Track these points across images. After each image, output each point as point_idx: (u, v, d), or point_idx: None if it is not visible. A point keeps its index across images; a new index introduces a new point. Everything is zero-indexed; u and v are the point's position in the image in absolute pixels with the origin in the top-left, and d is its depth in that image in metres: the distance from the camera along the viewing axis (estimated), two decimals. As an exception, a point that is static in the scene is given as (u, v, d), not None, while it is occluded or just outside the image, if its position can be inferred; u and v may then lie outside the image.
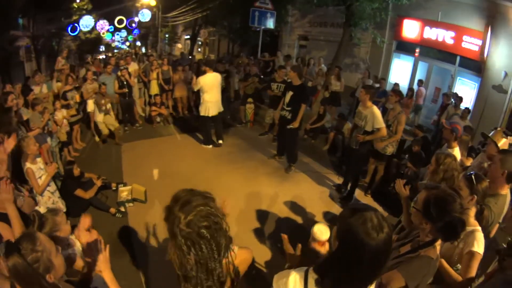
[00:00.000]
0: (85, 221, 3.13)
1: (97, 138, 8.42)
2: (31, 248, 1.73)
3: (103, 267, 2.02)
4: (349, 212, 1.49)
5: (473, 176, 2.68)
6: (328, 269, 1.54)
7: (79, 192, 5.16)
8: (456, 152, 4.46)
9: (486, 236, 3.23)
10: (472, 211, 2.67)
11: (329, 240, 2.98)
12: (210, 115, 7.96)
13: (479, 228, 2.60)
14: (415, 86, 11.37)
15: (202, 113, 7.97)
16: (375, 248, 1.37)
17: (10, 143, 3.77)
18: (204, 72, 7.88)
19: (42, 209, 3.87)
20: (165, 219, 1.67)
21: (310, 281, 1.56)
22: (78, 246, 3.07)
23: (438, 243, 2.05)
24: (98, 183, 5.62)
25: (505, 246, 3.31)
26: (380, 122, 5.38)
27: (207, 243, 1.61)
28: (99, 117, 8.01)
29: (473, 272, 2.47)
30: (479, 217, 2.72)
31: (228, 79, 10.94)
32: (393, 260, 2.14)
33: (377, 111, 5.42)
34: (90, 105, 7.98)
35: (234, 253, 1.86)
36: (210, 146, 8.35)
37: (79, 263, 2.81)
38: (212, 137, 8.43)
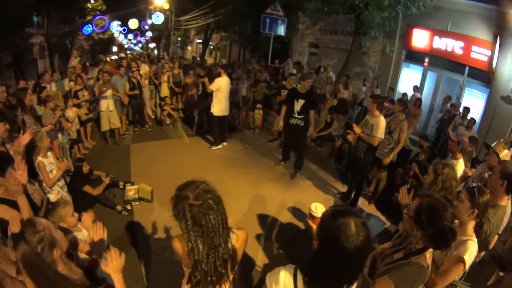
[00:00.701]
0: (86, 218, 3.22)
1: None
2: (33, 231, 1.91)
3: (115, 269, 2.03)
4: (330, 216, 1.56)
5: (475, 190, 2.66)
6: (311, 268, 1.63)
7: (87, 189, 5.30)
8: (461, 164, 4.47)
9: (485, 248, 3.26)
10: (471, 223, 2.66)
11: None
12: (223, 115, 8.38)
13: (474, 239, 2.58)
14: (428, 96, 11.38)
15: (216, 113, 8.28)
16: (352, 252, 1.44)
17: (25, 138, 3.93)
18: (219, 74, 8.25)
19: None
20: (174, 206, 1.90)
21: (298, 278, 1.66)
22: (84, 232, 3.19)
23: (430, 252, 2.08)
24: (107, 180, 5.73)
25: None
26: (379, 133, 5.48)
27: (215, 213, 1.87)
28: (104, 106, 8.14)
29: (450, 277, 2.47)
30: (478, 230, 2.71)
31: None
32: (385, 266, 2.19)
33: (382, 122, 5.50)
34: (103, 104, 8.11)
35: (235, 235, 2.09)
36: (221, 146, 8.67)
37: (84, 248, 2.89)
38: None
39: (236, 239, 2.08)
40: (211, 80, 8.19)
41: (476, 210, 2.62)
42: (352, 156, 6.33)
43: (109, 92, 8.12)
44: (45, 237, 1.93)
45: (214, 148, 8.57)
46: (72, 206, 3.10)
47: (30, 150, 4.25)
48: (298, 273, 1.67)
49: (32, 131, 4.12)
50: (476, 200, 2.61)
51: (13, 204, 2.80)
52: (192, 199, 1.84)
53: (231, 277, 2.11)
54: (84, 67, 11.52)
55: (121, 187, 6.22)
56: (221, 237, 1.93)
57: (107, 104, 8.12)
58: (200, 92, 11.07)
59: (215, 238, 1.90)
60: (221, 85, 8.00)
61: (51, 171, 4.44)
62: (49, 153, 4.57)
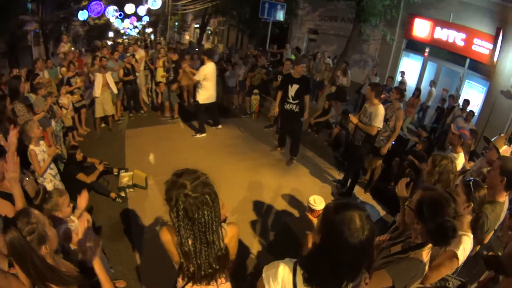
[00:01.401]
0: (82, 201, 3.16)
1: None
2: (26, 221, 1.85)
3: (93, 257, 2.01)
4: (333, 209, 1.49)
5: (471, 183, 2.63)
6: (312, 264, 1.56)
7: (80, 176, 5.19)
8: (461, 157, 4.38)
9: (480, 242, 3.22)
10: (467, 218, 2.62)
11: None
12: (210, 102, 8.19)
13: (470, 234, 2.57)
14: (427, 87, 11.35)
15: (202, 101, 8.07)
16: (356, 247, 1.37)
17: (14, 135, 3.83)
18: (203, 62, 8.03)
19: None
20: (167, 191, 1.80)
21: (298, 273, 1.59)
22: (76, 224, 3.10)
23: (429, 247, 2.03)
24: (100, 168, 5.63)
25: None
26: (378, 122, 5.37)
27: (210, 210, 1.78)
28: (97, 92, 7.90)
29: (443, 271, 2.45)
30: (473, 225, 2.65)
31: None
32: (383, 259, 2.14)
33: (381, 111, 5.38)
34: (97, 91, 7.92)
35: (224, 230, 1.97)
36: (204, 134, 8.39)
37: (76, 240, 2.82)
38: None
39: (225, 234, 1.97)
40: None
41: (472, 204, 2.58)
42: (350, 144, 6.25)
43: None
44: (37, 230, 1.87)
45: (198, 136, 8.36)
46: (68, 196, 3.06)
47: (21, 140, 4.14)
48: (298, 268, 1.60)
49: (16, 129, 4.02)
50: (472, 194, 2.58)
51: (5, 196, 2.76)
52: (189, 189, 1.74)
53: (226, 273, 2.06)
54: (80, 53, 11.37)
55: (115, 174, 6.12)
56: (214, 234, 1.85)
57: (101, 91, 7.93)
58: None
59: (208, 235, 1.83)
60: (207, 73, 7.77)
61: (43, 160, 4.35)
62: (41, 142, 4.46)
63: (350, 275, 1.50)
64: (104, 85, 7.92)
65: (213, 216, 1.81)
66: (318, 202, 2.95)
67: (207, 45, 22.95)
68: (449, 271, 2.51)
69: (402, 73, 11.65)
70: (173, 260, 2.02)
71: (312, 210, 2.93)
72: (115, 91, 8.36)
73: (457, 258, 2.41)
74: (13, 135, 3.73)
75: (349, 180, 6.27)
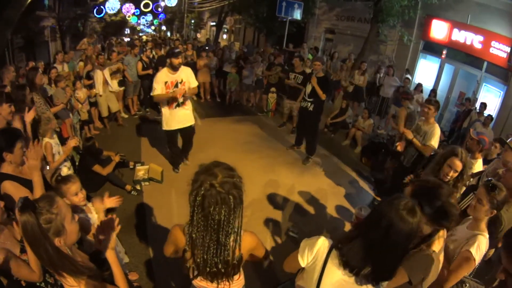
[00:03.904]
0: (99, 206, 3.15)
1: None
2: (47, 209, 1.76)
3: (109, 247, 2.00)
4: (387, 201, 1.61)
5: (496, 192, 2.54)
6: (350, 250, 1.65)
7: (96, 168, 5.29)
8: (479, 164, 4.36)
9: (494, 245, 3.23)
10: (485, 219, 2.62)
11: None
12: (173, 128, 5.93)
13: (485, 234, 2.57)
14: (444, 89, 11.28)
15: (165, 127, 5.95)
16: (403, 232, 1.49)
17: (30, 115, 3.95)
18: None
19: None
20: (197, 173, 1.78)
21: (333, 254, 1.69)
22: (94, 215, 3.12)
23: (440, 235, 2.08)
24: (116, 159, 5.74)
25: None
26: (435, 141, 4.82)
27: (228, 211, 1.73)
28: (100, 89, 7.80)
29: (461, 273, 2.48)
30: (490, 225, 2.67)
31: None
32: None
33: (438, 130, 4.89)
34: (98, 88, 7.81)
35: (240, 237, 1.91)
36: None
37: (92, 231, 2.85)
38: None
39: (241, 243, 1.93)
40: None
41: (495, 211, 2.56)
42: (398, 165, 5.66)
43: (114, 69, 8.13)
44: (54, 222, 1.78)
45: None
46: (75, 184, 2.90)
47: (36, 132, 4.25)
48: (334, 250, 1.70)
49: (36, 109, 4.13)
50: (495, 202, 2.53)
51: (25, 183, 2.77)
52: (218, 181, 1.70)
53: (235, 277, 2.07)
54: (102, 48, 11.59)
55: (131, 167, 6.24)
56: (228, 238, 1.80)
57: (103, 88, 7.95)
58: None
59: (221, 235, 1.77)
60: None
61: (59, 153, 4.48)
62: (55, 135, 4.58)
63: (387, 267, 1.61)
64: (104, 83, 7.96)
65: (231, 219, 1.75)
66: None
67: (223, 42, 22.98)
68: (467, 272, 2.53)
69: (407, 71, 11.58)
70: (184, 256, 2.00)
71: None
72: (115, 88, 8.38)
73: (474, 259, 2.42)
74: (29, 115, 3.86)
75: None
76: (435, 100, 5.06)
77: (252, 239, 2.04)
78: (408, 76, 11.05)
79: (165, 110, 5.72)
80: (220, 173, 1.73)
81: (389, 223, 1.51)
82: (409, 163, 5.18)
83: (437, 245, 2.07)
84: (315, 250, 1.73)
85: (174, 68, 5.45)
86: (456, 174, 3.32)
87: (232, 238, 1.83)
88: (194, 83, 5.76)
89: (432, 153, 4.86)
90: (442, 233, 2.10)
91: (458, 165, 3.27)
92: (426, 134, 4.89)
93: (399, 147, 5.25)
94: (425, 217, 1.99)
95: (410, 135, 5.00)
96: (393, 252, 1.55)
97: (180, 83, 5.55)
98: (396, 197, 1.60)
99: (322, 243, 1.73)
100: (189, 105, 5.86)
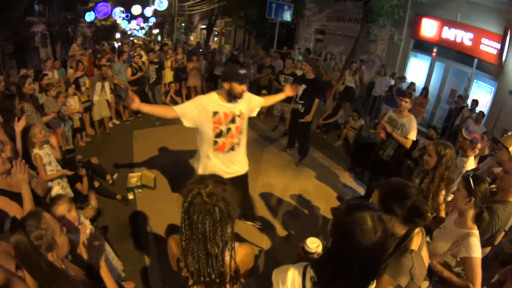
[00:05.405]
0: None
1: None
2: (35, 226, 1.77)
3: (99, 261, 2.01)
4: (345, 210, 1.50)
5: (470, 178, 2.63)
6: (324, 267, 1.57)
7: (78, 186, 4.99)
8: (471, 162, 4.32)
9: (491, 244, 3.24)
10: (471, 213, 2.64)
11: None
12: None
13: (475, 231, 2.59)
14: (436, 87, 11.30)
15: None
16: (369, 249, 1.39)
17: (20, 124, 3.85)
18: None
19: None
20: (190, 182, 1.73)
21: (308, 278, 1.59)
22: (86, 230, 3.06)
23: (415, 233, 2.04)
24: (82, 172, 5.03)
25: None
26: (413, 134, 4.89)
27: (211, 223, 1.65)
28: (95, 97, 7.79)
29: (479, 275, 2.47)
30: (478, 219, 2.66)
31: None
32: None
33: (416, 122, 4.99)
34: (95, 97, 7.83)
35: (234, 251, 1.85)
36: None
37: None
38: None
39: (235, 256, 1.86)
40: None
41: (473, 198, 2.57)
42: (374, 160, 5.66)
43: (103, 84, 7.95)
44: (45, 237, 1.80)
45: None
46: (62, 205, 2.84)
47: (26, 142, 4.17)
48: (308, 273, 1.61)
49: (25, 117, 4.05)
50: (472, 188, 2.57)
51: (14, 197, 2.71)
52: (206, 190, 1.66)
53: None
54: (94, 52, 11.51)
55: (109, 181, 5.91)
56: (219, 250, 1.73)
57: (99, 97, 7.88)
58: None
59: (210, 246, 1.70)
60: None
61: (49, 163, 4.36)
62: (46, 145, 4.45)
63: (362, 281, 1.51)
64: (101, 90, 7.88)
65: (218, 231, 1.68)
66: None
67: (214, 45, 22.92)
68: (480, 270, 2.52)
69: (394, 73, 11.46)
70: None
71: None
72: (109, 97, 8.27)
73: (477, 257, 2.47)
74: (19, 124, 3.76)
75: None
76: (409, 93, 5.22)
77: (248, 251, 1.99)
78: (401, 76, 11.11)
79: (206, 152, 3.98)
80: (212, 184, 1.69)
81: (352, 239, 1.41)
82: (388, 156, 5.22)
83: (415, 243, 2.04)
84: (289, 284, 1.64)
85: (233, 97, 3.74)
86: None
87: (223, 250, 1.76)
88: (259, 103, 4.30)
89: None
90: (417, 230, 2.06)
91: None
92: (404, 127, 4.95)
93: (382, 134, 5.19)
94: (399, 219, 1.96)
95: (389, 128, 5.04)
96: (360, 269, 1.46)
97: (239, 116, 3.89)
98: (355, 208, 1.49)
99: (292, 274, 1.64)
100: (244, 144, 4.26)
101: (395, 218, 1.97)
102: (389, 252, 2.10)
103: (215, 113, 3.70)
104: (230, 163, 4.12)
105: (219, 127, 3.76)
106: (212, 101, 3.71)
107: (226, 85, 3.63)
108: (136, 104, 3.30)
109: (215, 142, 3.85)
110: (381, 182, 2.15)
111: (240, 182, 4.29)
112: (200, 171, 4.06)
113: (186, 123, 3.66)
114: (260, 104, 4.25)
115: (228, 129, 3.82)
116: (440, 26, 11.01)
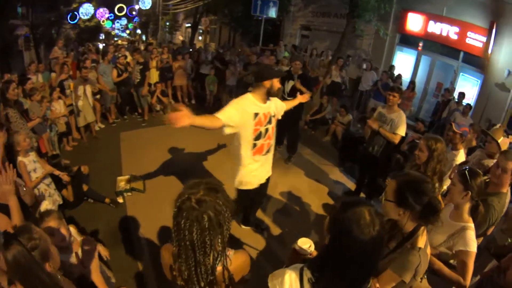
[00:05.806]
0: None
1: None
2: (28, 237, 1.73)
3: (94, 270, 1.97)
4: (341, 207, 1.47)
5: (467, 172, 2.64)
6: (321, 267, 1.52)
7: (64, 192, 4.93)
8: (461, 154, 4.32)
9: (483, 234, 3.25)
10: (467, 206, 2.65)
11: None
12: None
13: (471, 225, 2.60)
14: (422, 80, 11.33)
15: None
16: (368, 244, 1.36)
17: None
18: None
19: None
20: (184, 187, 1.66)
21: (305, 279, 1.54)
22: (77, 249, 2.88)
23: (422, 230, 2.00)
24: (65, 178, 4.91)
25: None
26: (402, 130, 4.85)
27: (199, 231, 1.58)
28: (80, 102, 7.48)
29: (471, 270, 2.47)
30: (473, 213, 2.69)
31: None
32: (384, 258, 2.10)
33: (405, 117, 4.93)
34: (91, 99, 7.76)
35: (229, 259, 1.78)
36: None
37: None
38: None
39: (230, 264, 1.77)
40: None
41: (470, 193, 2.58)
42: (364, 155, 5.56)
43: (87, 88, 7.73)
44: (40, 247, 1.76)
45: None
46: (55, 220, 2.73)
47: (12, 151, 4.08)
48: (305, 273, 1.55)
49: (5, 132, 3.95)
50: (468, 183, 2.59)
51: (1, 208, 2.61)
52: (195, 197, 1.58)
53: None
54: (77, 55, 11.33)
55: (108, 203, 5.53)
56: (206, 257, 1.65)
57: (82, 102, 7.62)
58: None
59: (198, 254, 1.62)
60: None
61: (34, 170, 4.24)
62: (31, 153, 4.33)
63: (361, 277, 1.47)
64: (84, 94, 7.63)
65: (206, 240, 1.59)
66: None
67: (199, 44, 22.76)
68: (473, 265, 2.52)
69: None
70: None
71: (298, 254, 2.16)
72: (92, 102, 8.06)
73: (473, 252, 2.47)
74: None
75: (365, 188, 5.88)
76: (398, 87, 5.18)
77: (244, 259, 1.91)
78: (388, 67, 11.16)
79: (245, 157, 3.89)
80: (203, 191, 1.61)
81: (350, 235, 1.38)
82: (378, 152, 5.18)
83: (422, 241, 2.00)
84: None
85: (271, 95, 3.80)
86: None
87: (213, 258, 1.68)
88: (282, 107, 4.17)
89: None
90: (424, 227, 2.03)
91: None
92: (393, 122, 4.89)
93: (375, 125, 5.05)
94: (413, 213, 1.93)
95: (375, 125, 4.99)
96: (359, 265, 1.42)
97: (274, 116, 3.91)
98: (351, 204, 1.45)
99: (289, 278, 1.58)
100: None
101: (408, 213, 1.94)
102: (392, 248, 2.08)
103: (256, 115, 3.65)
104: (268, 164, 4.18)
105: (259, 128, 3.72)
106: (251, 102, 3.65)
107: (267, 84, 3.59)
108: (188, 119, 2.81)
109: (254, 145, 3.80)
110: (399, 173, 2.10)
111: (266, 185, 4.44)
112: (239, 182, 4.02)
113: (229, 130, 3.51)
114: (283, 108, 4.18)
115: (266, 130, 3.79)
116: (426, 21, 11.09)
